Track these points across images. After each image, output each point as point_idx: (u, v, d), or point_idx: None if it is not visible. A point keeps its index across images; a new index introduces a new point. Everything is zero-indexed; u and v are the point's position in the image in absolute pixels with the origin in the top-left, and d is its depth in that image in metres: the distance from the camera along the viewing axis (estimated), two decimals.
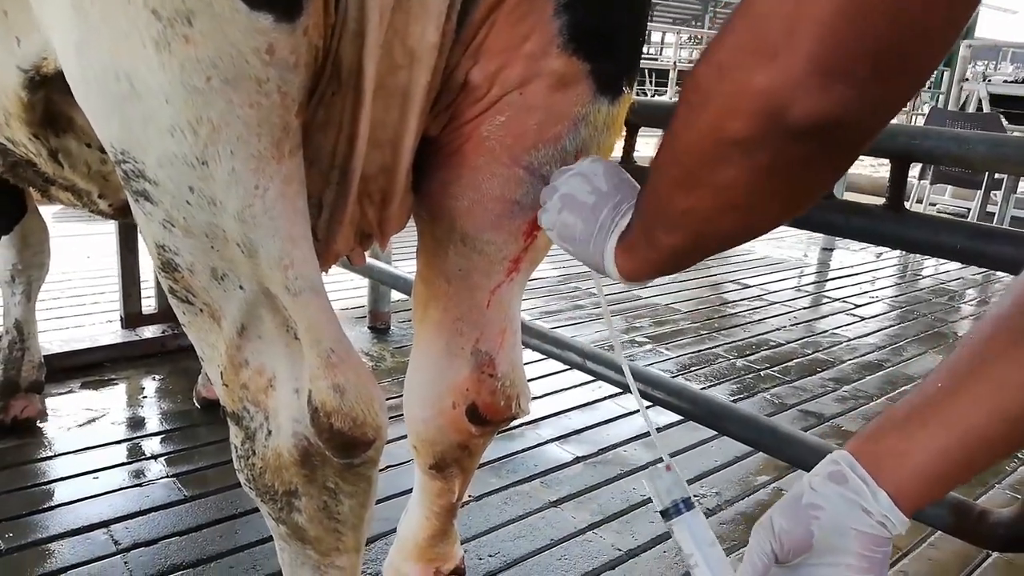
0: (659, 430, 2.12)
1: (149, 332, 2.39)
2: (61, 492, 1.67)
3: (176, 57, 0.66)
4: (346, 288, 3.09)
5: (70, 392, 2.11)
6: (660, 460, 0.77)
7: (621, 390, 1.69)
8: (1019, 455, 2.21)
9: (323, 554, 0.95)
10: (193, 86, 0.67)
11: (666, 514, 0.75)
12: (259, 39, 0.66)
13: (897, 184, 1.09)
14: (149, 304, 2.42)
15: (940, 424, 0.61)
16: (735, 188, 0.58)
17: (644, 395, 1.62)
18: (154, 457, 1.82)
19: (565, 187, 0.83)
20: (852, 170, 4.91)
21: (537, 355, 2.31)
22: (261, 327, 0.85)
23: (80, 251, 3.41)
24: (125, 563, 1.44)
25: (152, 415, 2.03)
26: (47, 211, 1.55)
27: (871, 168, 6.47)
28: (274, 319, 0.83)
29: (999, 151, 0.99)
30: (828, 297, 3.72)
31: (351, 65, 0.75)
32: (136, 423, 1.98)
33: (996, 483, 2.01)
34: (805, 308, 3.48)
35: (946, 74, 7.82)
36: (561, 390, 2.30)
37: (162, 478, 1.73)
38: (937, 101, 8.09)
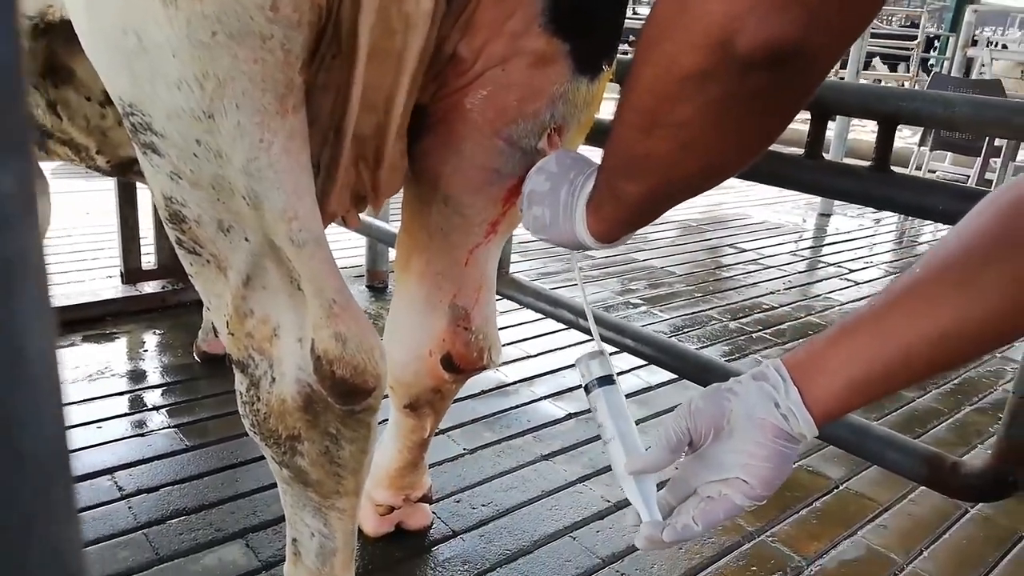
0: (652, 388, 2.17)
1: (149, 287, 2.41)
2: None
3: (183, 12, 0.68)
4: (344, 247, 3.12)
5: (72, 345, 2.14)
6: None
7: (617, 349, 1.73)
8: (965, 400, 2.28)
9: (324, 496, 0.99)
10: (199, 41, 0.69)
11: (588, 389, 0.81)
12: None
13: (884, 145, 1.11)
14: (149, 260, 2.43)
15: (865, 338, 0.63)
16: (691, 126, 0.60)
17: (636, 352, 1.66)
18: (156, 408, 1.86)
19: (528, 187, 0.89)
20: (852, 134, 4.90)
21: (533, 314, 2.35)
22: (266, 278, 0.88)
23: (80, 207, 3.41)
24: (129, 508, 1.49)
25: (153, 368, 2.06)
26: (46, 167, 1.56)
27: (871, 132, 6.45)
28: (278, 270, 0.86)
29: (983, 113, 1.02)
30: (824, 262, 3.74)
31: (350, 27, 0.77)
32: (138, 376, 2.02)
33: (979, 443, 2.06)
34: (800, 272, 3.51)
35: (951, 39, 7.74)
36: (556, 349, 2.34)
37: (164, 428, 1.77)
38: (942, 67, 8.02)
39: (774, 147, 1.27)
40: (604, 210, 0.78)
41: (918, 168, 4.94)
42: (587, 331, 1.81)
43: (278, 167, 0.76)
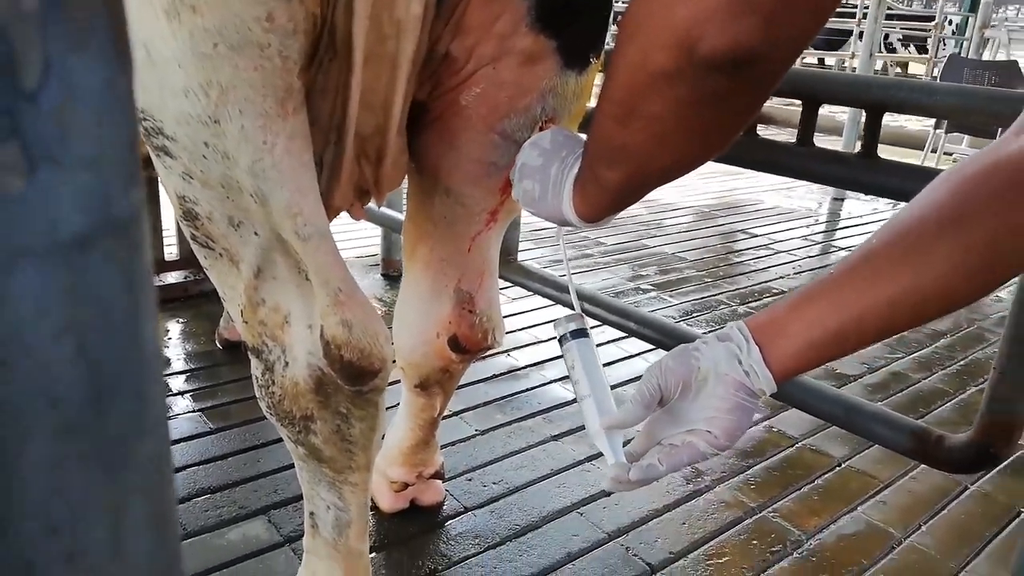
0: None
1: (172, 278, 2.49)
2: None
3: (185, 26, 0.73)
4: (360, 236, 3.19)
5: None
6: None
7: (624, 334, 1.78)
8: (971, 380, 2.30)
9: (337, 472, 1.05)
10: (202, 52, 0.74)
11: (562, 341, 0.86)
12: (259, 8, 0.73)
13: (871, 133, 1.14)
14: (171, 251, 2.51)
15: (823, 303, 0.68)
16: (662, 120, 0.65)
17: (641, 335, 1.71)
18: (180, 394, 1.94)
19: (521, 159, 0.92)
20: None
21: (544, 300, 2.41)
22: (275, 269, 0.94)
23: None
24: None
25: (177, 355, 2.15)
26: None
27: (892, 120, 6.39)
28: (287, 262, 0.92)
29: (966, 102, 1.05)
30: (836, 246, 3.75)
31: (344, 33, 0.82)
32: (162, 363, 2.11)
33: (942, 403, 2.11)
34: (811, 257, 3.52)
35: (970, 19, 7.62)
36: None
37: (188, 412, 1.85)
38: (960, 47, 7.90)
39: (767, 135, 1.31)
40: (588, 192, 0.83)
41: (933, 151, 4.90)
42: (595, 316, 1.86)
43: (282, 167, 0.81)
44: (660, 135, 0.67)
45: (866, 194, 3.60)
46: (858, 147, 1.17)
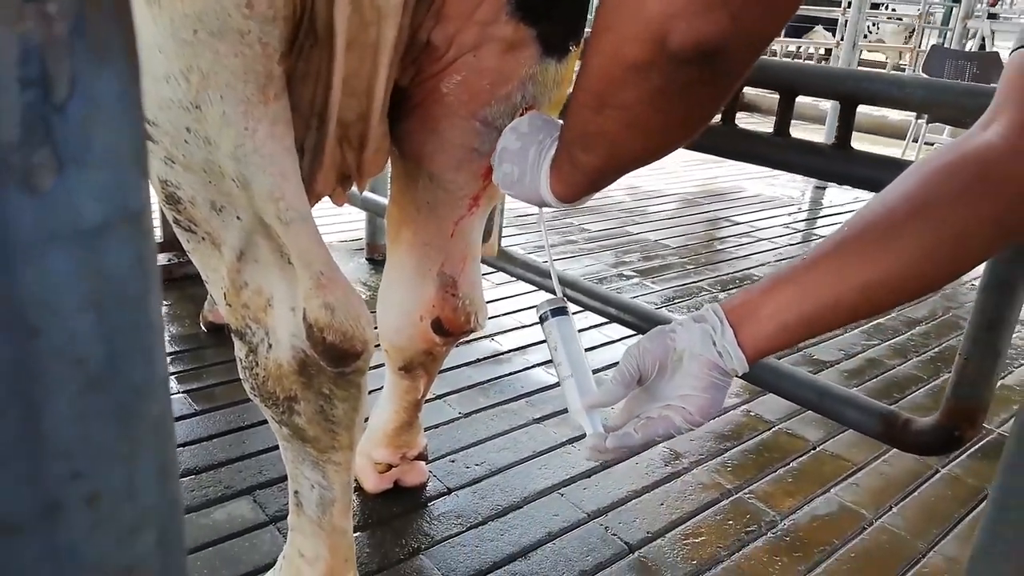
0: None
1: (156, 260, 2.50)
2: None
3: (165, 12, 0.74)
4: (344, 221, 3.19)
5: None
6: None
7: (606, 319, 1.81)
8: (944, 367, 2.34)
9: (321, 451, 1.07)
10: (182, 39, 0.75)
11: (542, 319, 0.90)
12: None
13: (845, 124, 1.17)
14: (155, 234, 2.51)
15: (795, 288, 0.71)
16: (635, 108, 0.68)
17: (621, 321, 1.74)
18: None
19: (501, 143, 0.95)
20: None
21: (528, 286, 2.43)
22: (258, 252, 0.95)
23: None
24: None
25: None
26: None
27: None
28: (269, 245, 0.93)
29: (935, 95, 1.08)
30: (817, 234, 3.80)
31: (325, 20, 0.83)
32: None
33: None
34: (792, 245, 3.56)
35: (954, 10, 7.68)
36: None
37: (174, 394, 1.86)
38: (944, 38, 7.96)
39: (745, 125, 1.34)
40: (565, 174, 0.86)
41: (915, 140, 4.96)
42: (576, 302, 1.89)
43: (263, 152, 0.82)
44: (633, 122, 0.70)
45: (840, 184, 3.64)
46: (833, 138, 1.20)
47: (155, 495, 0.16)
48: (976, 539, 0.95)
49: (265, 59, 0.79)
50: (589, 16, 1.04)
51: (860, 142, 1.13)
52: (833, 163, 1.19)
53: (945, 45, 6.58)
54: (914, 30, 8.50)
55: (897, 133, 5.81)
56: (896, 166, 1.12)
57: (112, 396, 0.15)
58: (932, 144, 5.14)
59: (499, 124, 0.99)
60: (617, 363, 0.80)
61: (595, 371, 0.90)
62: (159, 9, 0.74)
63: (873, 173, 1.14)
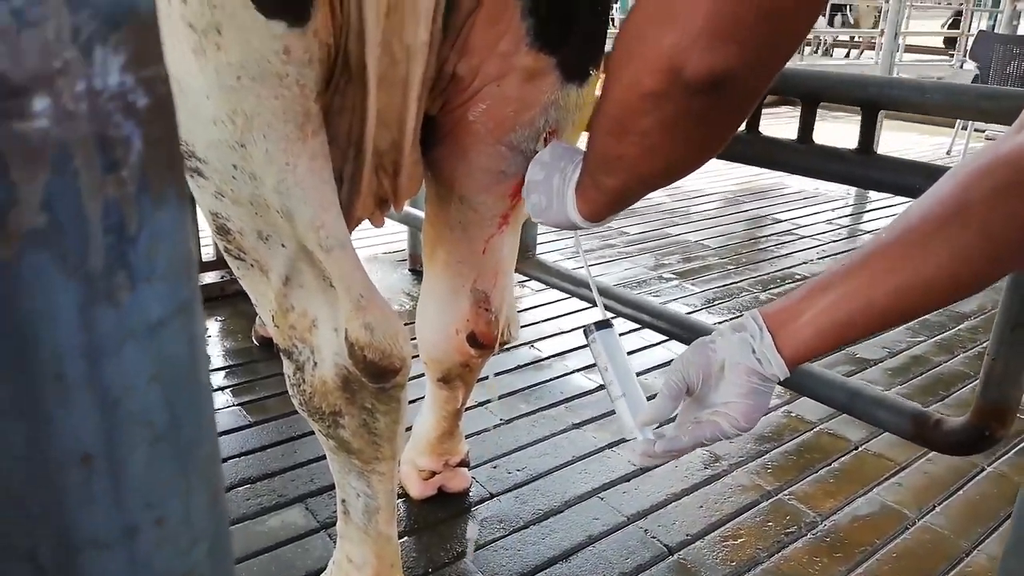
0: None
1: (209, 278, 2.58)
2: None
3: (211, 62, 0.80)
4: (388, 234, 3.28)
5: None
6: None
7: (640, 325, 1.84)
8: (971, 373, 2.30)
9: (365, 462, 1.13)
10: (227, 85, 0.81)
11: (587, 334, 0.94)
12: (276, 43, 0.81)
13: (867, 130, 1.19)
14: (208, 252, 2.59)
15: (834, 294, 0.73)
16: (653, 135, 0.71)
17: (654, 327, 1.77)
18: (220, 389, 2.05)
19: (528, 176, 1.00)
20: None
21: (563, 293, 2.47)
22: (302, 278, 1.02)
23: None
24: None
25: (216, 352, 2.25)
26: None
27: None
28: (312, 271, 1.00)
29: (954, 99, 1.09)
30: (861, 230, 3.75)
31: (357, 60, 0.89)
32: None
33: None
34: (835, 241, 3.53)
35: None
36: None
37: (229, 407, 1.95)
38: (995, 21, 7.74)
39: (769, 132, 1.36)
40: (590, 197, 0.90)
41: (964, 128, 4.85)
42: (610, 309, 1.92)
43: (304, 185, 0.89)
44: (652, 148, 0.74)
45: (863, 188, 3.57)
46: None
47: (206, 517, 0.21)
48: (1009, 535, 0.96)
49: (303, 99, 0.86)
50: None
51: (908, 131, 1.13)
52: (856, 168, 1.20)
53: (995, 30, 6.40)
54: (960, 14, 8.28)
55: (945, 121, 5.68)
56: (918, 169, 1.14)
57: (173, 446, 0.20)
58: (983, 131, 5.03)
59: (524, 147, 1.04)
60: (659, 366, 0.84)
61: (637, 374, 0.94)
62: (206, 60, 0.81)
63: (897, 178, 1.15)
